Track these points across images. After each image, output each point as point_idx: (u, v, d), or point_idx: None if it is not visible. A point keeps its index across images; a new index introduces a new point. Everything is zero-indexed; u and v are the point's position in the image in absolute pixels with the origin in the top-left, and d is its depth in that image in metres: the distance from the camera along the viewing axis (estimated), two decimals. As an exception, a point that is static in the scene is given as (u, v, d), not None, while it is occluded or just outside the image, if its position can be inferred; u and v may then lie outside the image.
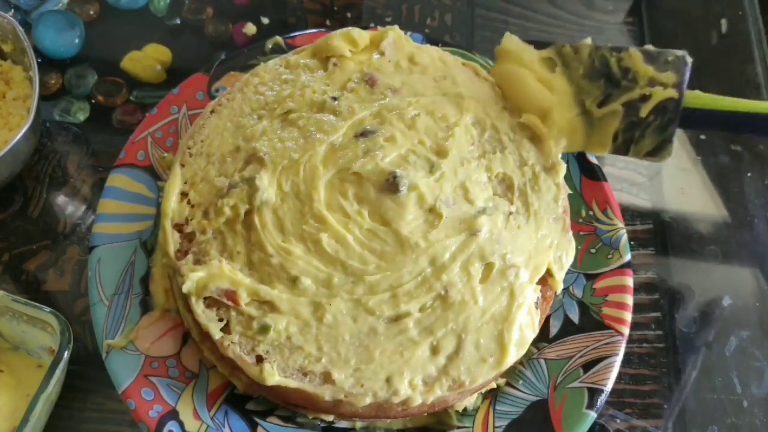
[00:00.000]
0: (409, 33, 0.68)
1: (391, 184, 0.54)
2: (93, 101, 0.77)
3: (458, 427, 0.57)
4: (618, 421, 0.64)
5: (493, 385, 0.58)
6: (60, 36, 0.77)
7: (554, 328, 0.61)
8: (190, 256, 0.54)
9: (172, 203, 0.57)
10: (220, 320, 0.53)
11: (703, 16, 0.88)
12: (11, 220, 0.70)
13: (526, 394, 0.58)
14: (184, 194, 0.57)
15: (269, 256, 0.53)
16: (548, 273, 0.57)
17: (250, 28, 0.82)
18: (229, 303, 0.52)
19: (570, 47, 0.58)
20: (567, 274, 0.58)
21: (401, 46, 0.64)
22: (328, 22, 0.84)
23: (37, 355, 0.61)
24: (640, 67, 0.55)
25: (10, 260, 0.68)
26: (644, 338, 0.68)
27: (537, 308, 0.56)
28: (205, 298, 0.53)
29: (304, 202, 0.54)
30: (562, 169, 0.60)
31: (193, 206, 0.56)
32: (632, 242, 0.69)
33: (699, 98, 0.54)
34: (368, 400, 0.51)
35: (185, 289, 0.52)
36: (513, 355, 0.53)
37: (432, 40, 0.71)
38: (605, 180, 0.65)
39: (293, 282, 0.52)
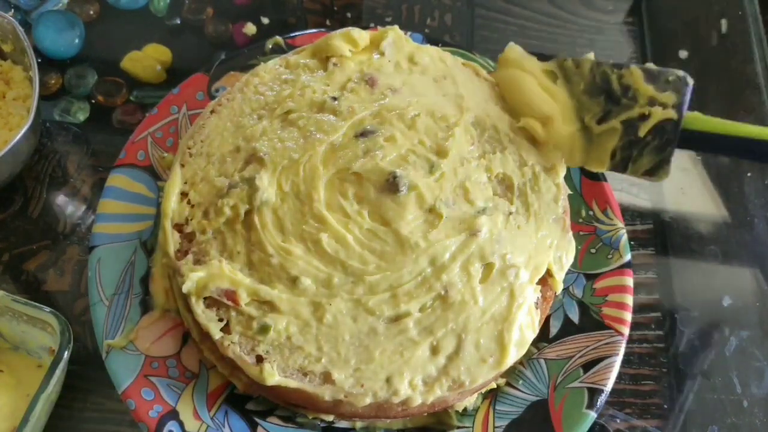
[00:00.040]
0: (409, 33, 0.68)
1: (391, 184, 0.54)
2: (93, 101, 0.77)
3: (458, 427, 0.57)
4: (618, 421, 0.64)
5: (493, 385, 0.58)
6: (60, 36, 0.77)
7: (554, 328, 0.61)
8: (190, 256, 0.54)
9: (172, 203, 0.57)
10: (220, 320, 0.53)
11: (703, 16, 0.88)
12: (11, 220, 0.70)
13: (526, 394, 0.58)
14: (184, 194, 0.57)
15: (269, 256, 0.53)
16: (548, 273, 0.57)
17: (250, 28, 0.82)
18: (229, 303, 0.52)
19: (572, 61, 0.58)
20: (567, 274, 0.58)
21: (401, 46, 0.64)
22: (328, 22, 0.84)
23: (37, 355, 0.61)
24: (640, 86, 0.54)
25: (10, 260, 0.68)
26: (644, 338, 0.68)
27: (537, 308, 0.56)
28: (205, 298, 0.53)
29: (304, 202, 0.54)
30: (562, 169, 0.60)
31: (193, 206, 0.56)
32: (632, 242, 0.69)
33: (699, 120, 0.53)
34: (368, 400, 0.51)
35: (185, 289, 0.52)
36: (513, 355, 0.53)
37: (432, 40, 0.71)
38: (605, 180, 0.65)
39: (293, 282, 0.52)
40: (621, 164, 0.56)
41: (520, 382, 0.59)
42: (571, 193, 0.62)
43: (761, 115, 0.80)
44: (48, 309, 0.57)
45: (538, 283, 0.56)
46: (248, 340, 0.52)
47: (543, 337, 0.60)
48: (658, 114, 0.53)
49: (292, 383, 0.51)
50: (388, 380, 0.51)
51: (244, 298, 0.52)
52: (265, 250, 0.53)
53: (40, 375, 0.58)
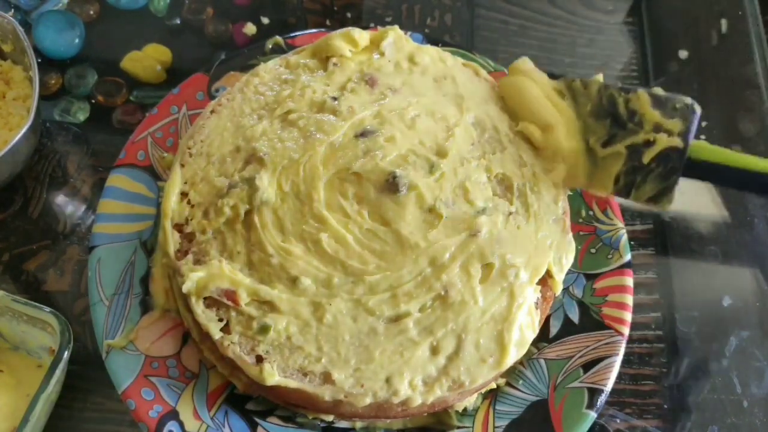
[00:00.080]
0: (409, 33, 0.68)
1: (391, 184, 0.54)
2: (93, 101, 0.77)
3: (458, 427, 0.57)
4: (618, 421, 0.64)
5: (493, 385, 0.58)
6: (60, 36, 0.77)
7: (554, 328, 0.61)
8: (190, 256, 0.54)
9: (172, 203, 0.57)
10: (220, 320, 0.53)
11: (703, 16, 0.88)
12: (11, 220, 0.70)
13: (526, 394, 0.58)
14: (184, 194, 0.57)
15: (269, 256, 0.53)
16: (548, 274, 0.56)
17: (250, 28, 0.82)
18: (229, 303, 0.52)
19: (580, 82, 0.57)
20: (567, 274, 0.58)
21: (401, 46, 0.64)
22: (328, 22, 0.84)
23: (37, 355, 0.61)
24: (647, 111, 0.53)
25: (10, 260, 0.68)
26: (644, 338, 0.68)
27: (537, 308, 0.56)
28: (205, 298, 0.53)
29: (304, 202, 0.54)
30: (562, 170, 0.60)
31: (193, 206, 0.56)
32: (632, 242, 0.68)
33: (705, 150, 0.52)
34: (368, 400, 0.51)
35: (185, 289, 0.52)
36: (513, 356, 0.53)
37: (432, 40, 0.71)
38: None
39: (293, 282, 0.52)
40: (624, 190, 0.55)
41: (520, 382, 0.59)
42: (570, 193, 0.62)
43: (761, 115, 0.80)
44: (48, 309, 0.57)
45: (538, 284, 0.56)
46: (248, 340, 0.52)
47: (543, 337, 0.60)
48: (663, 141, 0.52)
49: (292, 383, 0.51)
50: (388, 380, 0.51)
51: (244, 298, 0.52)
52: (265, 250, 0.53)
53: (40, 375, 0.58)
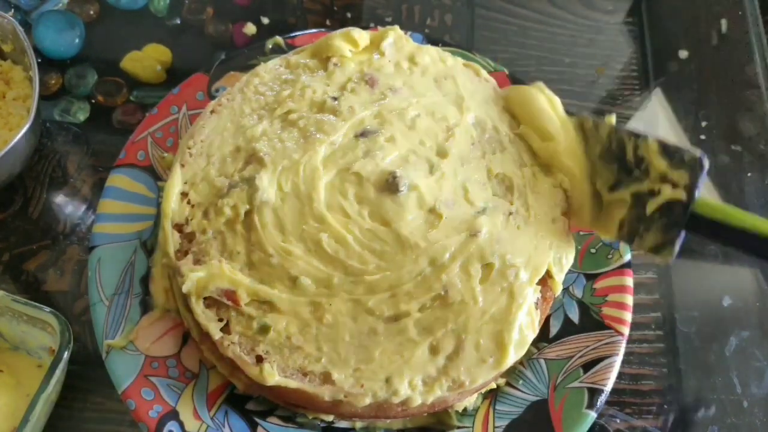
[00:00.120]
0: (409, 33, 0.68)
1: (391, 185, 0.54)
2: (93, 101, 0.77)
3: (458, 427, 0.57)
4: (618, 421, 0.64)
5: (493, 385, 0.58)
6: (60, 36, 0.77)
7: (554, 328, 0.61)
8: (190, 256, 0.54)
9: (172, 203, 0.56)
10: (220, 320, 0.53)
11: (703, 16, 0.88)
12: (11, 220, 0.70)
13: (526, 394, 0.58)
14: (184, 194, 0.57)
15: (269, 256, 0.53)
16: (548, 274, 0.56)
17: (250, 28, 0.82)
18: (229, 303, 0.52)
19: (592, 122, 0.56)
20: (567, 274, 0.58)
21: (401, 47, 0.64)
22: (328, 22, 0.84)
23: (37, 355, 0.61)
24: (654, 159, 0.51)
25: (10, 260, 0.68)
26: (644, 338, 0.68)
27: (537, 309, 0.56)
28: (205, 298, 0.53)
29: (304, 203, 0.54)
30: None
31: (193, 206, 0.56)
32: (632, 242, 0.68)
33: (708, 206, 0.49)
34: (368, 401, 0.51)
35: (185, 289, 0.52)
36: (513, 356, 0.53)
37: (432, 40, 0.71)
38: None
39: (293, 282, 0.52)
40: (628, 237, 0.54)
41: (520, 382, 0.59)
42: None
43: (761, 115, 0.80)
44: (48, 309, 0.57)
45: (537, 284, 0.56)
46: (248, 340, 0.52)
47: (543, 337, 0.60)
48: (668, 193, 0.50)
49: (292, 383, 0.51)
50: (387, 380, 0.51)
51: (244, 298, 0.52)
52: (265, 250, 0.53)
53: (40, 375, 0.58)
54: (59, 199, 0.72)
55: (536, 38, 0.85)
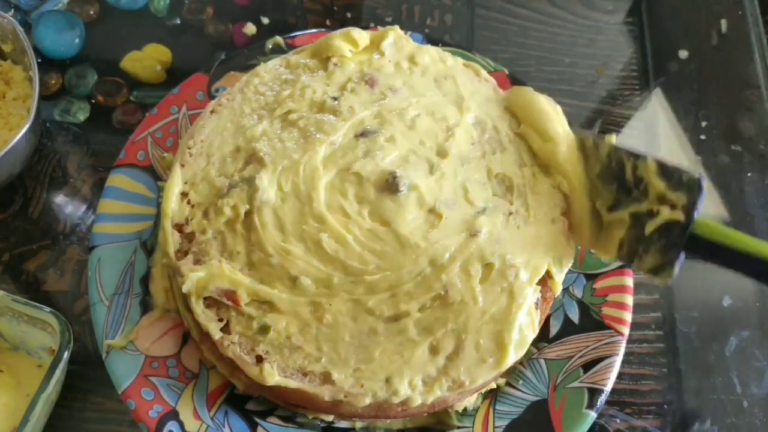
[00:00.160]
0: (409, 33, 0.68)
1: (391, 185, 0.54)
2: (93, 101, 0.77)
3: (458, 427, 0.57)
4: (618, 421, 0.64)
5: (493, 385, 0.58)
6: (60, 36, 0.77)
7: (554, 328, 0.61)
8: (190, 256, 0.54)
9: (172, 203, 0.56)
10: (220, 320, 0.53)
11: (703, 16, 0.88)
12: (11, 220, 0.70)
13: (526, 394, 0.58)
14: (184, 194, 0.57)
15: (269, 256, 0.53)
16: (548, 274, 0.56)
17: (250, 28, 0.82)
18: (229, 303, 0.52)
19: (592, 141, 0.56)
20: (567, 274, 0.58)
21: (401, 47, 0.64)
22: (328, 22, 0.84)
23: (37, 355, 0.61)
24: (652, 179, 0.51)
25: (10, 260, 0.68)
26: (644, 338, 0.68)
27: (537, 309, 0.56)
28: (205, 298, 0.53)
29: (304, 203, 0.54)
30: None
31: (193, 206, 0.56)
32: (632, 242, 0.68)
33: (708, 228, 0.48)
34: (368, 401, 0.51)
35: (185, 289, 0.52)
36: (513, 356, 0.53)
37: (432, 40, 0.71)
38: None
39: (293, 282, 0.52)
40: (627, 257, 0.53)
41: (520, 382, 0.59)
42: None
43: (761, 115, 0.80)
44: (48, 309, 0.57)
45: (537, 284, 0.56)
46: (248, 340, 0.52)
47: (543, 337, 0.60)
48: (666, 214, 0.50)
49: (292, 383, 0.51)
50: (387, 380, 0.51)
51: (244, 298, 0.52)
52: (265, 250, 0.53)
53: (40, 375, 0.58)
54: (59, 199, 0.72)
55: (536, 38, 0.85)
